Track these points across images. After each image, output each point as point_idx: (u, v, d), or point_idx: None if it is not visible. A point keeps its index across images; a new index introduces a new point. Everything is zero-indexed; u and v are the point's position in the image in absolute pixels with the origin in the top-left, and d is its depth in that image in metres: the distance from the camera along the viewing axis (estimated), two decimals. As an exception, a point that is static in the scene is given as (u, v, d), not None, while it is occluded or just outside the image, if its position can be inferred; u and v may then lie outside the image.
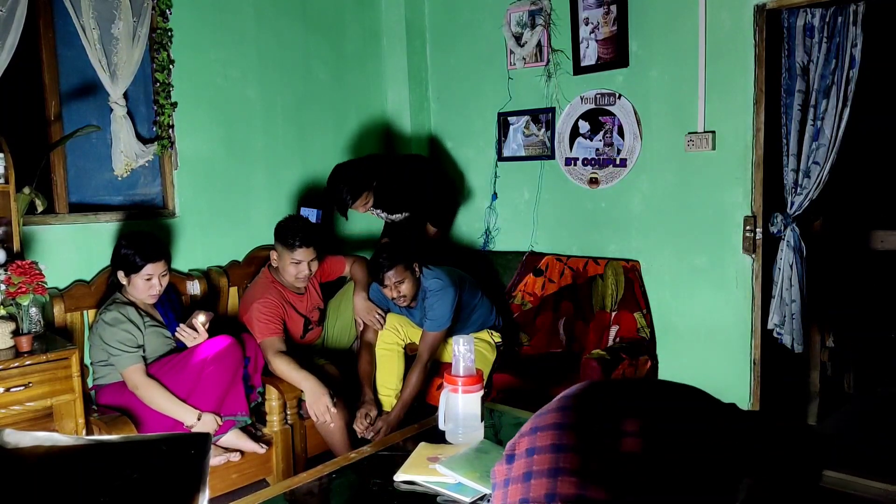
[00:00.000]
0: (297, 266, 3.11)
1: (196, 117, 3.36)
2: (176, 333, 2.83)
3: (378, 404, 3.16)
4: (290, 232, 3.10)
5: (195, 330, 2.82)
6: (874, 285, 4.24)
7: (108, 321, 2.70)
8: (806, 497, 1.21)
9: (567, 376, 3.19)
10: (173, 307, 2.96)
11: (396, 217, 3.70)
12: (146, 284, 2.77)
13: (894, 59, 3.75)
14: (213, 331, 2.87)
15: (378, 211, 3.66)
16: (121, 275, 2.77)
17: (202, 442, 1.26)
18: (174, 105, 3.25)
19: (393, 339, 3.26)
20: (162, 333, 2.84)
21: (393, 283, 3.06)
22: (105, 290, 2.94)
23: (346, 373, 3.24)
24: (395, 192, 3.54)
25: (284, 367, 2.95)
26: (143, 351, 2.75)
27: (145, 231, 3.02)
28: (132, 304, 2.80)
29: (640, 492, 1.04)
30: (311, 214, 3.54)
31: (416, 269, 3.17)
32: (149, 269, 2.75)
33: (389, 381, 3.21)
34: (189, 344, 2.80)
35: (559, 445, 1.09)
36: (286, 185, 3.76)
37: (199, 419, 2.67)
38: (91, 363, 2.82)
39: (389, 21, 4.19)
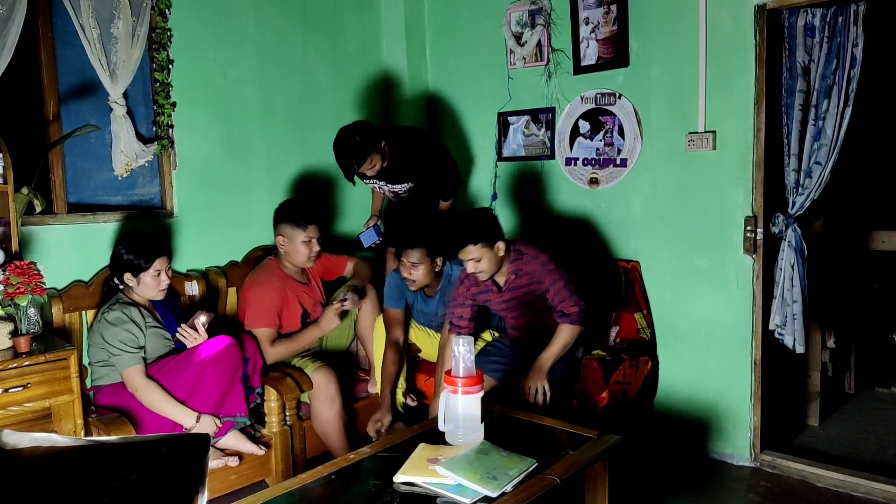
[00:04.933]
0: (308, 245, 3.15)
1: (195, 117, 3.35)
2: (177, 334, 2.83)
3: (394, 410, 3.15)
4: (297, 210, 3.18)
5: (195, 330, 2.82)
6: (875, 285, 4.24)
7: (111, 320, 2.70)
8: None
9: (567, 375, 3.18)
10: (173, 309, 2.96)
11: (399, 188, 3.53)
12: (155, 281, 2.79)
13: (895, 59, 3.75)
14: (212, 331, 2.86)
15: (381, 183, 3.51)
16: (128, 276, 2.78)
17: (201, 443, 1.25)
18: (174, 105, 3.25)
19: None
20: (162, 335, 2.83)
21: (409, 263, 3.10)
22: (102, 293, 2.94)
23: (345, 374, 3.23)
24: (399, 160, 3.37)
25: (284, 348, 3.08)
26: (144, 352, 2.74)
27: (140, 231, 3.04)
28: (135, 304, 2.80)
29: None
30: (369, 235, 3.64)
31: (439, 262, 3.18)
32: (157, 264, 2.78)
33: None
34: (189, 344, 2.79)
35: None
36: (285, 185, 3.75)
37: (197, 421, 2.67)
38: (90, 363, 2.82)
39: (389, 21, 4.18)
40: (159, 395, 2.66)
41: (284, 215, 3.18)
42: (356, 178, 3.35)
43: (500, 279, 3.01)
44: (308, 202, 3.35)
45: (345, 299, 3.19)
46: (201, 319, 2.83)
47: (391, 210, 3.80)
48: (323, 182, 3.91)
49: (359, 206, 4.02)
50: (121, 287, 2.84)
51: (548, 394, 2.82)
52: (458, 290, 3.04)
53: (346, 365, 3.33)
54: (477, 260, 2.83)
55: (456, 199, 3.70)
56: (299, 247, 3.15)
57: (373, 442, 2.93)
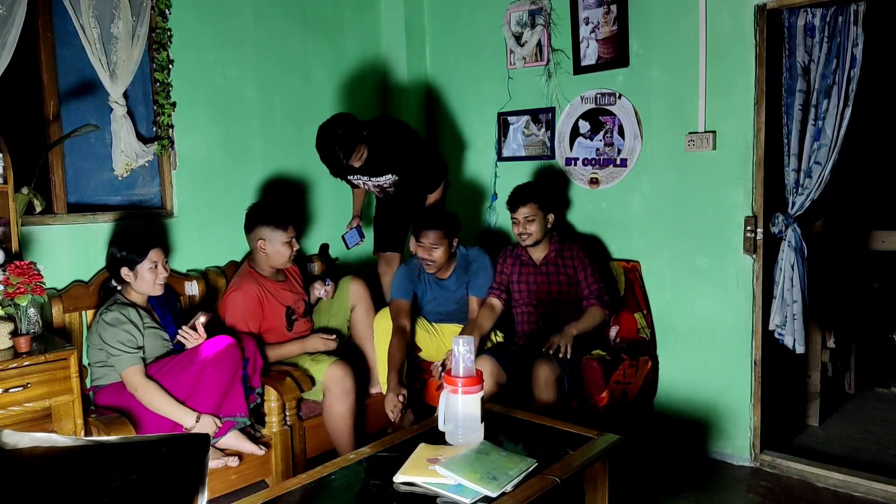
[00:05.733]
0: (289, 245, 3.14)
1: (195, 117, 3.35)
2: (178, 336, 2.82)
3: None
4: (276, 211, 3.16)
5: (196, 331, 2.82)
6: (875, 285, 4.24)
7: (109, 321, 2.70)
8: None
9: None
10: (171, 309, 2.96)
11: (384, 181, 3.45)
12: (153, 274, 2.78)
13: (895, 59, 3.75)
14: (211, 332, 2.86)
15: (365, 178, 3.45)
16: (125, 271, 2.77)
17: (201, 443, 1.25)
18: (174, 105, 3.25)
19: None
20: (160, 335, 2.83)
21: (429, 245, 3.19)
22: (99, 297, 2.93)
23: (358, 369, 3.22)
24: (379, 150, 3.28)
25: (274, 353, 3.11)
26: (143, 352, 2.74)
27: (130, 229, 3.04)
28: (132, 304, 2.80)
29: None
30: (353, 236, 3.68)
31: (455, 244, 3.30)
32: (153, 255, 2.78)
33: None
34: (190, 345, 2.79)
35: None
36: (285, 185, 3.75)
37: (197, 421, 2.66)
38: (89, 364, 2.81)
39: (389, 21, 4.18)
40: (159, 395, 2.65)
41: (262, 218, 3.13)
42: (339, 177, 3.35)
43: (538, 255, 3.26)
44: (282, 203, 3.34)
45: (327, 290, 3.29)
46: (201, 320, 2.83)
47: (379, 209, 3.77)
48: (320, 182, 3.91)
49: (334, 207, 4.01)
50: (118, 288, 2.84)
51: (569, 352, 2.94)
52: (497, 266, 3.35)
53: (354, 361, 3.32)
54: (530, 220, 3.15)
55: (445, 190, 3.65)
56: (280, 248, 3.12)
57: (383, 436, 2.96)
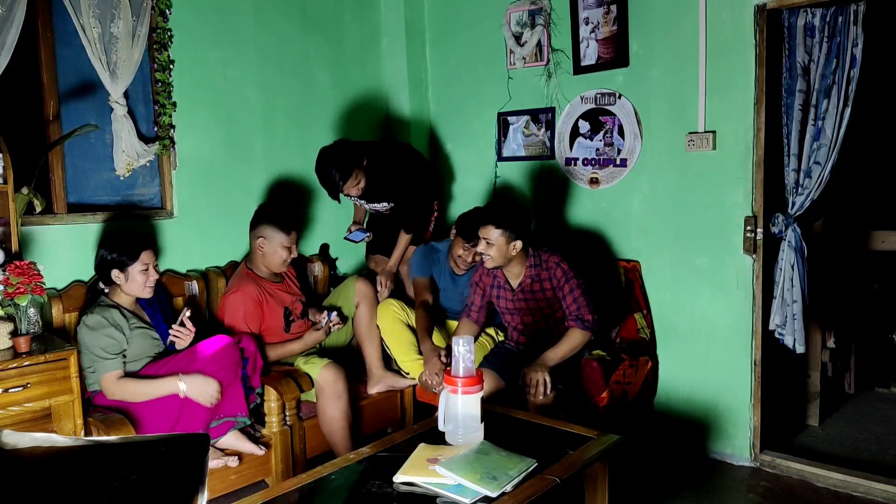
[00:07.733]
0: (288, 250, 3.16)
1: (195, 117, 3.35)
2: (170, 337, 2.81)
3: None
4: (283, 213, 3.19)
5: (185, 326, 2.81)
6: (875, 285, 4.24)
7: (91, 325, 2.66)
8: None
9: (567, 375, 3.18)
10: (162, 308, 2.93)
11: (381, 207, 3.57)
12: (144, 276, 2.76)
13: (895, 59, 3.75)
14: (210, 333, 2.86)
15: (362, 201, 3.57)
16: (115, 274, 2.74)
17: (201, 443, 1.25)
18: (174, 105, 3.25)
19: (400, 315, 3.35)
20: (149, 334, 2.80)
21: (486, 242, 2.92)
22: (86, 299, 2.90)
23: (351, 371, 3.22)
24: (377, 179, 3.37)
25: (274, 353, 3.12)
26: (125, 356, 2.71)
27: (121, 230, 3.03)
28: (116, 306, 2.77)
29: None
30: (357, 235, 3.75)
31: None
32: (144, 257, 2.76)
33: (410, 353, 3.30)
34: (182, 343, 2.78)
35: None
36: (285, 185, 3.75)
37: (181, 382, 2.61)
38: (84, 367, 2.79)
39: (389, 21, 4.18)
40: (135, 384, 2.64)
41: (268, 217, 3.16)
42: (336, 198, 3.38)
43: (514, 281, 3.06)
44: (291, 208, 3.38)
45: (334, 322, 3.20)
46: (186, 314, 2.82)
47: (375, 220, 3.85)
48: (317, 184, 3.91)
49: (335, 208, 3.97)
50: (105, 290, 2.83)
51: (549, 385, 2.81)
52: (474, 277, 3.19)
53: (351, 362, 3.33)
54: (489, 243, 2.91)
55: (423, 239, 3.69)
56: (278, 249, 3.13)
57: (380, 437, 2.95)
